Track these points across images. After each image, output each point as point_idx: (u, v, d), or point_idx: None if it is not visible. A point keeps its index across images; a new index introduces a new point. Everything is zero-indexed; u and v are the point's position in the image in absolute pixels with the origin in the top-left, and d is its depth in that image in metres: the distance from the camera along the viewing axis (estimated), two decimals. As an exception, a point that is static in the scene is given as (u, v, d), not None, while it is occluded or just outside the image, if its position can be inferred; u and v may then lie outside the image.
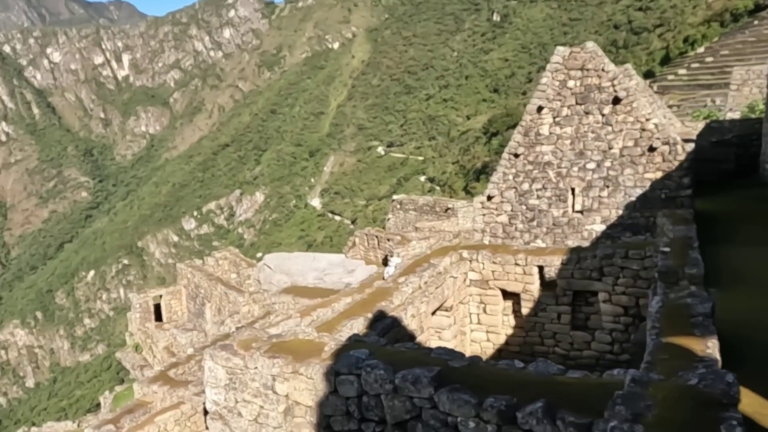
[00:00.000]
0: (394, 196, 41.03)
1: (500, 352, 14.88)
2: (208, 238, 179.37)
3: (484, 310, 14.94)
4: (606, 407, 5.08)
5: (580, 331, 13.95)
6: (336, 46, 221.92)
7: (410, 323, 12.15)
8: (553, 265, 13.98)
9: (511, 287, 14.47)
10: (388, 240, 28.02)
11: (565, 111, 17.55)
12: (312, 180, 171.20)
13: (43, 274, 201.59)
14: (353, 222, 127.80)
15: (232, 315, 24.45)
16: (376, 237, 29.76)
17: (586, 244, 17.04)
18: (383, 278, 17.58)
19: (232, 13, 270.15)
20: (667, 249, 10.79)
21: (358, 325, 10.92)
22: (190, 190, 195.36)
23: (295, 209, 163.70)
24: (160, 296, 31.38)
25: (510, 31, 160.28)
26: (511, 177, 18.44)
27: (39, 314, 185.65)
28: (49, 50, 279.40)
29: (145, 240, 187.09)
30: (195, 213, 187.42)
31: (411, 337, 12.02)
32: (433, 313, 13.54)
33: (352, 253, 30.91)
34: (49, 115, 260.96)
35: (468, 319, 15.06)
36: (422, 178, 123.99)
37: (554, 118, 17.73)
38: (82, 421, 38.98)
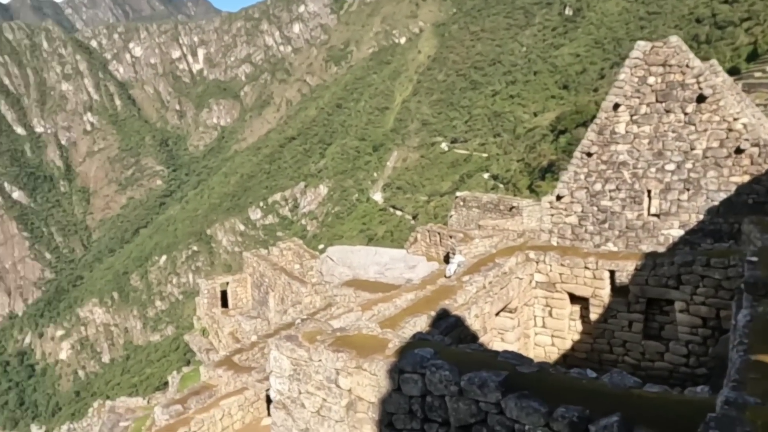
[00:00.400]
0: (458, 193, 40.59)
1: (565, 358, 14.39)
2: (272, 228, 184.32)
3: (550, 314, 14.49)
4: (688, 428, 4.75)
5: (652, 341, 13.28)
6: (403, 41, 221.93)
7: (473, 323, 11.93)
8: (626, 270, 13.36)
9: (580, 291, 13.95)
10: (451, 237, 27.75)
11: (643, 109, 16.71)
12: (375, 174, 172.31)
13: (120, 257, 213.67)
14: (414, 217, 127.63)
15: (294, 305, 24.93)
16: (438, 233, 29.54)
17: (661, 249, 16.19)
18: (445, 276, 17.39)
19: (302, 8, 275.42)
20: (755, 258, 10.04)
21: (421, 323, 10.82)
22: (257, 181, 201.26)
23: (357, 203, 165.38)
24: (227, 283, 32.43)
25: (583, 26, 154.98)
26: (582, 176, 17.76)
27: (115, 294, 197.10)
28: (131, 45, 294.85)
29: (213, 228, 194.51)
30: (261, 203, 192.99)
31: (474, 337, 11.80)
32: (497, 314, 13.25)
33: (413, 248, 30.83)
34: (130, 106, 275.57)
35: (532, 322, 14.65)
36: (486, 176, 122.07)
37: (631, 116, 16.92)
38: (152, 398, 41.02)
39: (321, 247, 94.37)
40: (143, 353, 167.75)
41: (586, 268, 13.79)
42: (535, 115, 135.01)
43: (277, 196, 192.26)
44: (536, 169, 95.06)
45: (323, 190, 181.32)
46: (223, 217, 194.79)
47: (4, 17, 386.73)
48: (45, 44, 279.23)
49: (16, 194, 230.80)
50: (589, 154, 17.64)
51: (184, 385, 30.80)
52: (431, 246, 29.90)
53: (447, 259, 26.84)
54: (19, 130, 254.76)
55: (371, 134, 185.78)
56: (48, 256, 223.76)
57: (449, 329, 11.05)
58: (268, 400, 15.31)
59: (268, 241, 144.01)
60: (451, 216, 37.60)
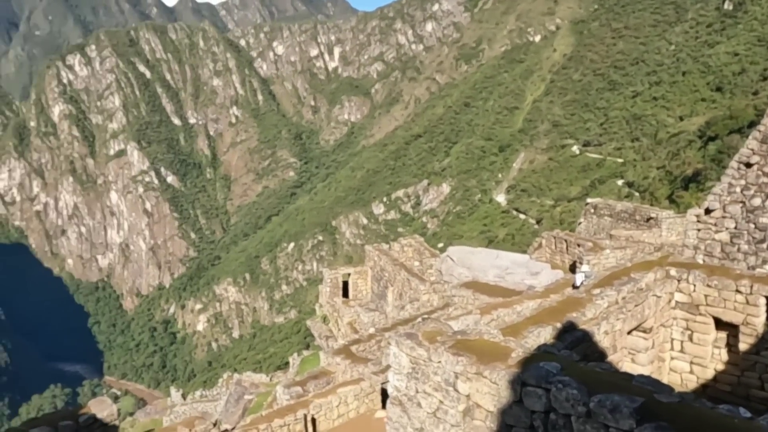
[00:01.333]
0: (588, 199, 38.53)
1: (705, 388, 13.03)
2: (393, 224, 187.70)
3: (690, 338, 13.18)
4: None
5: (816, 381, 11.60)
6: (537, 39, 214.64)
7: (602, 340, 11.18)
8: (788, 298, 11.78)
9: (728, 317, 12.53)
10: (579, 245, 26.42)
11: (821, 115, 14.62)
12: (499, 175, 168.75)
13: (253, 241, 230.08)
14: (538, 222, 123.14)
15: (412, 301, 25.12)
16: (565, 241, 28.26)
17: (834, 277, 14.05)
18: (573, 286, 16.54)
19: (435, 6, 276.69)
20: None
21: (545, 334, 10.35)
22: (382, 176, 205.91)
23: (479, 203, 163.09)
24: (349, 274, 33.51)
25: (744, 21, 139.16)
26: (738, 189, 15.93)
27: (247, 276, 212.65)
28: (274, 44, 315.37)
29: (338, 220, 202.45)
30: (384, 199, 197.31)
31: (601, 355, 11.06)
32: (629, 332, 12.31)
33: (536, 254, 29.74)
34: (270, 101, 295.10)
35: (668, 345, 13.43)
36: (619, 182, 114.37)
37: (805, 123, 14.88)
38: (274, 376, 43.58)
39: (440, 245, 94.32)
40: (268, 333, 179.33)
41: (737, 291, 12.38)
42: (681, 119, 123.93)
43: (400, 193, 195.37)
44: (678, 177, 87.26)
45: (446, 188, 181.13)
46: (348, 210, 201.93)
47: (170, 19, 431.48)
48: (201, 43, 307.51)
49: (170, 178, 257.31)
50: (749, 165, 15.78)
51: (303, 367, 32.36)
52: (556, 253, 28.66)
53: (573, 269, 25.53)
54: (176, 120, 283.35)
55: (498, 134, 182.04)
56: (193, 235, 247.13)
57: (575, 344, 10.45)
58: (383, 393, 15.58)
59: (388, 236, 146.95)
60: (579, 223, 35.80)
